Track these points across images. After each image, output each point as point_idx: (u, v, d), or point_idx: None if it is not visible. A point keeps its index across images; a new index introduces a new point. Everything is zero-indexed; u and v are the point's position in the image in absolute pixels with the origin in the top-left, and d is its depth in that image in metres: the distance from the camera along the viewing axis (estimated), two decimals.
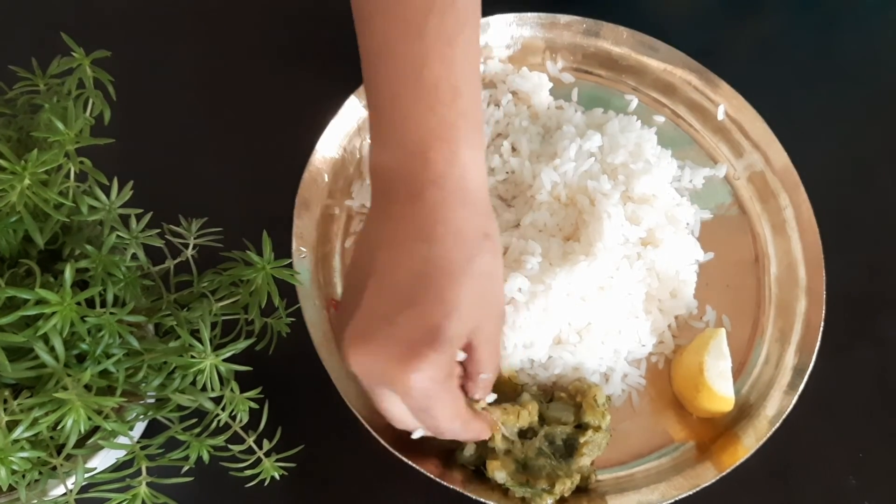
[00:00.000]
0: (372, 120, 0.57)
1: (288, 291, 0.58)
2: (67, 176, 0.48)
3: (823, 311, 0.67)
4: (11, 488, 0.48)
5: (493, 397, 0.58)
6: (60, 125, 0.47)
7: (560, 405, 0.62)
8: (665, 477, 0.62)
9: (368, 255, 0.53)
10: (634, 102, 0.77)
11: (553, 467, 0.60)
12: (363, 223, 0.60)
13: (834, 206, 0.72)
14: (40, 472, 0.48)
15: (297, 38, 0.81)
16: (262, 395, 0.52)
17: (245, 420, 0.52)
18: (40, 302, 0.44)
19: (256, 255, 0.51)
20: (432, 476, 0.59)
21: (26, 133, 0.52)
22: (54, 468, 0.48)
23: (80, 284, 0.49)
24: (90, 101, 0.51)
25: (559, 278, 0.63)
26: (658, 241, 0.68)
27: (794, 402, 0.64)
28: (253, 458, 0.52)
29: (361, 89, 0.72)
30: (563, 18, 0.77)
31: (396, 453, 0.59)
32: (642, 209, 0.68)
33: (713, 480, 0.61)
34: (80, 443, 0.48)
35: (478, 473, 0.61)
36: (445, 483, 0.59)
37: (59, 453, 0.48)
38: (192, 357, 0.48)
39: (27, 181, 0.45)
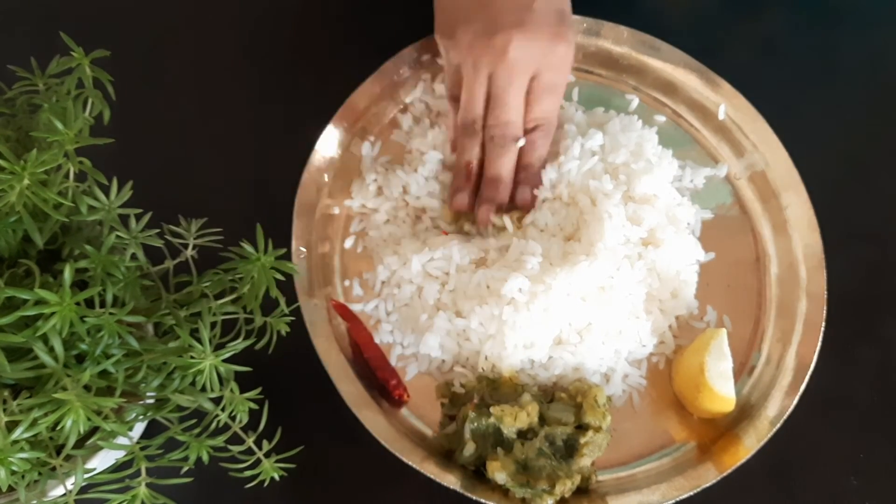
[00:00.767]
0: None
1: (288, 291, 0.58)
2: (67, 176, 0.48)
3: (824, 312, 0.67)
4: (11, 489, 0.48)
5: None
6: (60, 125, 0.47)
7: (560, 406, 0.62)
8: (666, 477, 0.62)
9: None
10: (635, 102, 0.77)
11: (553, 468, 0.59)
12: None
13: (835, 206, 0.72)
14: (40, 473, 0.48)
15: (298, 38, 0.81)
16: (261, 396, 0.52)
17: (245, 420, 0.52)
18: (40, 302, 0.44)
19: (251, 248, 0.51)
20: (432, 476, 0.59)
21: (25, 133, 0.52)
22: (54, 469, 0.48)
23: (80, 285, 0.49)
24: (89, 101, 0.51)
25: (560, 278, 0.63)
26: (659, 241, 0.68)
27: (795, 402, 0.64)
28: (252, 459, 0.52)
29: (361, 89, 0.72)
30: None
31: (396, 453, 0.59)
32: (643, 209, 0.68)
33: (714, 481, 0.61)
34: (80, 443, 0.48)
35: (478, 474, 0.61)
36: (445, 483, 0.59)
37: (58, 454, 0.48)
38: (192, 357, 0.48)
39: (26, 181, 0.45)
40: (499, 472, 0.59)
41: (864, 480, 0.66)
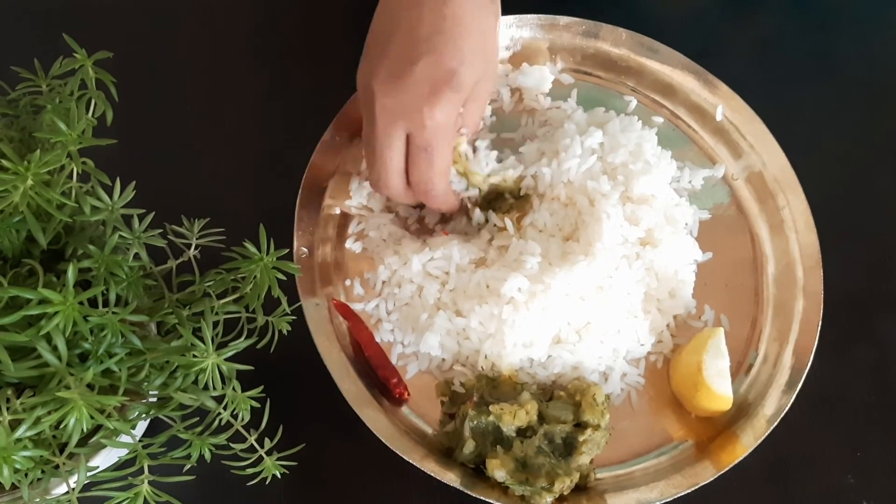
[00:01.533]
0: None
1: (289, 291, 0.58)
2: (70, 176, 0.48)
3: (821, 311, 0.68)
4: (14, 487, 0.48)
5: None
6: (63, 126, 0.47)
7: (559, 404, 0.63)
8: (664, 475, 0.63)
9: (393, 13, 0.63)
10: (633, 103, 0.77)
11: (552, 466, 0.60)
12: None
13: (832, 206, 0.73)
14: (43, 471, 0.49)
15: (298, 39, 0.81)
16: (263, 395, 0.52)
17: (246, 419, 0.52)
18: (43, 301, 0.44)
19: (254, 248, 0.51)
20: (432, 474, 0.59)
21: (29, 134, 0.52)
22: (57, 467, 0.48)
23: (83, 284, 0.49)
24: (92, 102, 0.51)
25: (558, 278, 0.64)
26: (657, 241, 0.68)
27: (792, 401, 0.64)
28: (254, 457, 0.53)
29: None
30: (563, 20, 0.77)
31: (397, 451, 0.60)
32: (641, 209, 0.68)
33: (712, 479, 0.61)
34: (83, 441, 0.48)
35: (477, 472, 0.61)
36: (445, 481, 0.59)
37: (61, 452, 0.48)
38: (194, 356, 0.48)
39: (30, 182, 0.46)
40: (498, 470, 0.59)
41: (861, 478, 0.66)
